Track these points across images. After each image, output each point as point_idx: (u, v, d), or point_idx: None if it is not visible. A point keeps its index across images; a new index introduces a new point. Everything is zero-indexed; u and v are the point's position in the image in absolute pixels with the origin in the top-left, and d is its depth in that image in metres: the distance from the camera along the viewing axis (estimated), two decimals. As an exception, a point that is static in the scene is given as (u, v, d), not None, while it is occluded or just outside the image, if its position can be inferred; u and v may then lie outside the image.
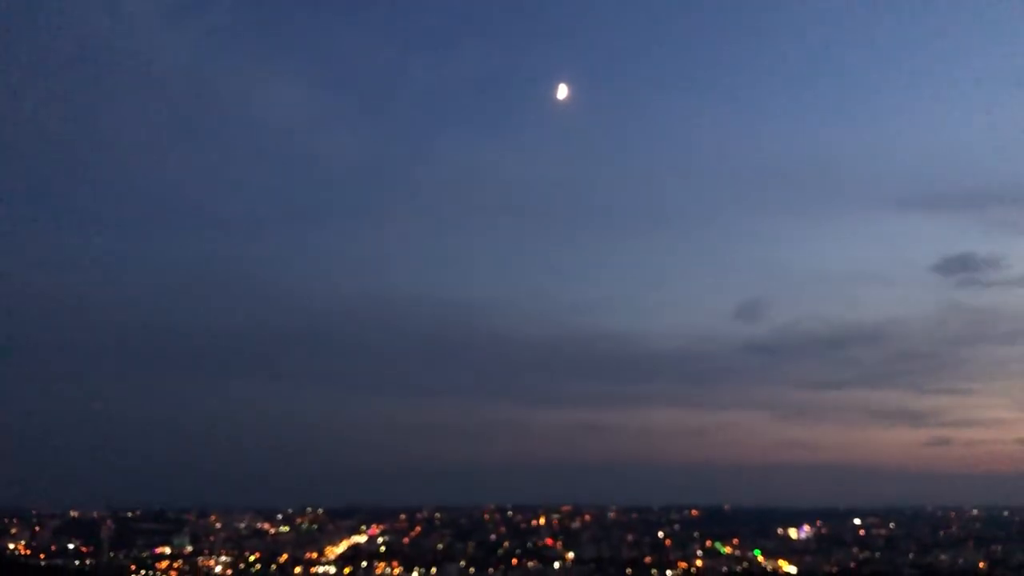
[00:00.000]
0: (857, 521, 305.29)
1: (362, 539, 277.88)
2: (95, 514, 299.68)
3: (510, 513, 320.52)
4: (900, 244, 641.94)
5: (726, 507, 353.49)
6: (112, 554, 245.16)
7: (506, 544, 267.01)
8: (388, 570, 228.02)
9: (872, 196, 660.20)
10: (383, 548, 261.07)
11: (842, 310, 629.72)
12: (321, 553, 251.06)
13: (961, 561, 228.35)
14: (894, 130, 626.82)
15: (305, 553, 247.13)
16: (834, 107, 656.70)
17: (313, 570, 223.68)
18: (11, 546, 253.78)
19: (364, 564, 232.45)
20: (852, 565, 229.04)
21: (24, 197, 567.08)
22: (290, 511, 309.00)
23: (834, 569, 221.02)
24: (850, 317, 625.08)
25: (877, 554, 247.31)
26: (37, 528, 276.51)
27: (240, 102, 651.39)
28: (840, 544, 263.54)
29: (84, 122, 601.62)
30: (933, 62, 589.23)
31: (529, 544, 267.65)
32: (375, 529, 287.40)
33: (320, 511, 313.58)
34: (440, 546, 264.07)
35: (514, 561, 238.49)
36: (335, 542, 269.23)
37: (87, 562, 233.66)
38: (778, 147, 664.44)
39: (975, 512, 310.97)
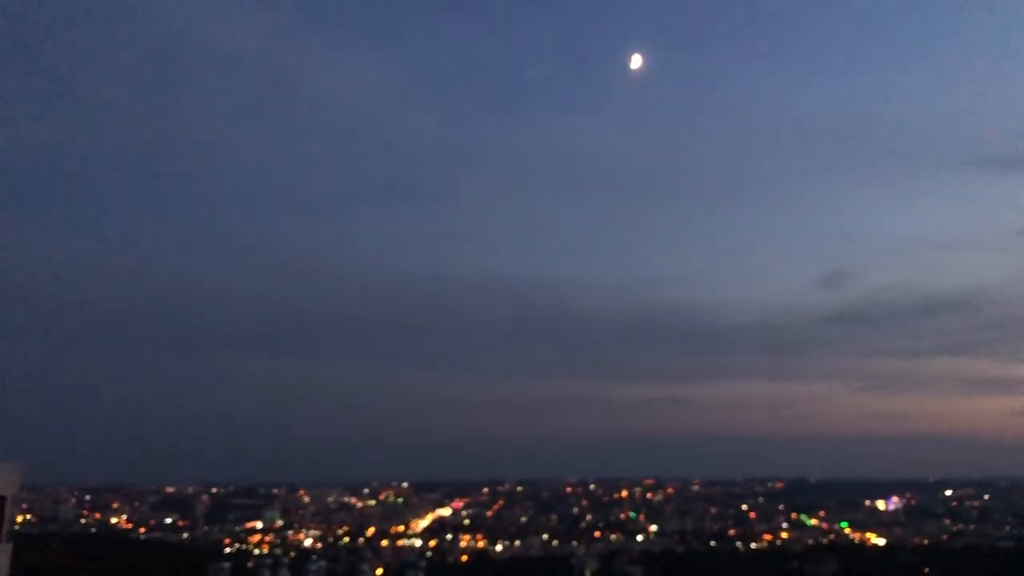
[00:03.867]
0: (948, 492, 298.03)
1: (446, 512, 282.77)
2: (190, 490, 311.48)
3: (592, 486, 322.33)
4: (990, 208, 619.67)
5: (811, 479, 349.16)
6: (207, 528, 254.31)
7: (589, 517, 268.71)
8: (472, 542, 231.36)
9: (959, 158, 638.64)
10: (467, 521, 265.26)
11: (929, 277, 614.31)
12: (407, 526, 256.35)
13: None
14: (982, 91, 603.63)
15: (391, 526, 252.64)
16: (920, 68, 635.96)
17: (400, 543, 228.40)
18: (113, 520, 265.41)
19: (449, 536, 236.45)
20: (944, 537, 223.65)
21: (103, 181, 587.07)
22: (376, 485, 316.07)
23: (925, 541, 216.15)
24: (937, 284, 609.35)
25: (971, 526, 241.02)
26: (137, 503, 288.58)
27: (316, 85, 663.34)
28: (931, 516, 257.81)
29: (162, 107, 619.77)
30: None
31: (612, 517, 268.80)
32: (459, 503, 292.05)
33: (405, 485, 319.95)
34: (523, 519, 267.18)
35: (597, 534, 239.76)
36: (420, 515, 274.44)
37: (184, 536, 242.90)
38: (862, 111, 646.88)
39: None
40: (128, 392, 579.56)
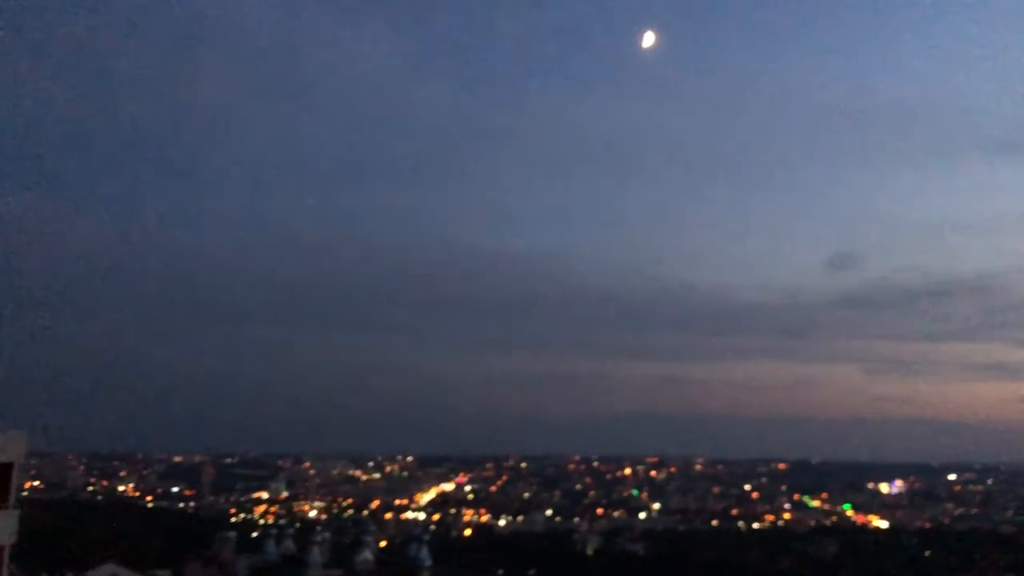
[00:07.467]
0: (952, 477, 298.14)
1: (450, 487, 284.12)
2: (197, 459, 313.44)
3: (596, 463, 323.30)
4: (1003, 192, 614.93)
5: (814, 461, 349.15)
6: (213, 497, 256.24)
7: (592, 494, 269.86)
8: (476, 517, 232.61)
9: (972, 142, 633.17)
10: (471, 496, 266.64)
11: (940, 261, 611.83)
12: (411, 499, 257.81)
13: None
14: (997, 75, 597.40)
15: (395, 499, 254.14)
16: (933, 50, 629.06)
17: (403, 516, 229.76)
18: (121, 488, 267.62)
19: (452, 511, 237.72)
20: (946, 521, 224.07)
21: (124, 157, 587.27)
22: (381, 458, 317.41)
23: (927, 524, 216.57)
24: (948, 268, 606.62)
25: (973, 510, 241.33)
26: (144, 472, 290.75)
27: (329, 58, 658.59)
28: (934, 500, 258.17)
29: (176, 83, 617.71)
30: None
31: (614, 494, 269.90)
32: (463, 477, 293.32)
33: (410, 459, 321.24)
34: (526, 495, 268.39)
35: (599, 511, 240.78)
36: (424, 489, 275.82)
37: (190, 504, 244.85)
38: (872, 93, 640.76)
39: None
40: (136, 362, 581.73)
